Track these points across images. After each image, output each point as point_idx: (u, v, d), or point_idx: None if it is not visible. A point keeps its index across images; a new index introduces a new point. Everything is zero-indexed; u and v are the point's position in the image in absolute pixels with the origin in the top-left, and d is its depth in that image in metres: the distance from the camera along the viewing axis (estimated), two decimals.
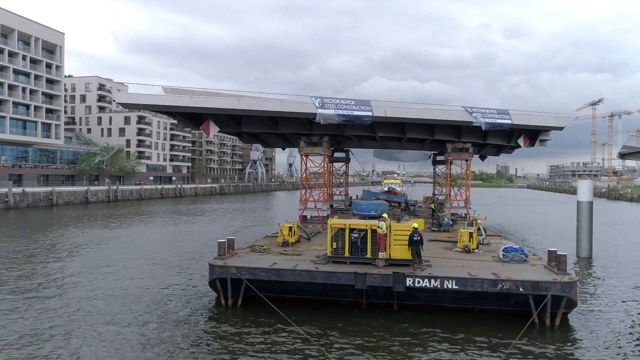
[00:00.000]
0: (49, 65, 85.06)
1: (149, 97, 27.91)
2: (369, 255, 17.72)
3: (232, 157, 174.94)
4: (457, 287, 15.86)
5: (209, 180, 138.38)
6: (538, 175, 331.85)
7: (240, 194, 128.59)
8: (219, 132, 34.32)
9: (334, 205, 47.99)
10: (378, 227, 17.18)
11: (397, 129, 37.89)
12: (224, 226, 46.22)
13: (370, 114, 32.50)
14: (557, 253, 17.06)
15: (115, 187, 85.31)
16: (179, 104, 28.63)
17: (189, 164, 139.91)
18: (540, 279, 15.86)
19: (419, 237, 17.09)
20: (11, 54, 76.97)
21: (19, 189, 67.31)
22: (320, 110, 31.19)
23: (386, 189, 57.92)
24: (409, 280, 16.10)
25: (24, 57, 79.21)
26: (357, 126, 35.31)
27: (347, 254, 17.92)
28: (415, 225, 17.61)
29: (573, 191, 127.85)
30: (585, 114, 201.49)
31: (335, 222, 18.44)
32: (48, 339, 13.98)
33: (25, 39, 79.69)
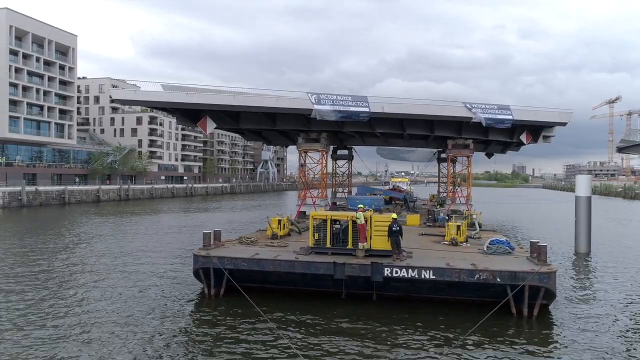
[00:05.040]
0: (62, 67, 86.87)
1: (145, 93, 28.43)
2: (350, 246, 17.81)
3: (243, 157, 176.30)
4: (434, 277, 15.85)
5: (220, 180, 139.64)
6: (555, 175, 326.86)
7: (251, 193, 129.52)
8: (216, 128, 34.70)
9: (337, 203, 48.17)
10: (356, 217, 17.28)
11: (397, 126, 37.85)
12: (229, 221, 46.73)
13: (367, 110, 32.55)
14: (539, 244, 16.93)
15: (126, 186, 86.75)
16: (175, 100, 29.10)
17: (201, 164, 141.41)
18: (517, 269, 15.76)
19: (398, 228, 17.13)
20: (25, 56, 78.80)
21: (32, 188, 68.90)
22: (316, 106, 31.38)
23: (391, 187, 58.09)
24: (387, 270, 16.14)
25: (37, 59, 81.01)
26: (355, 122, 35.38)
27: (328, 244, 18.05)
28: (395, 216, 17.66)
29: None
30: (602, 113, 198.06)
31: (317, 213, 18.59)
32: (28, 324, 14.41)
33: (38, 42, 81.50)
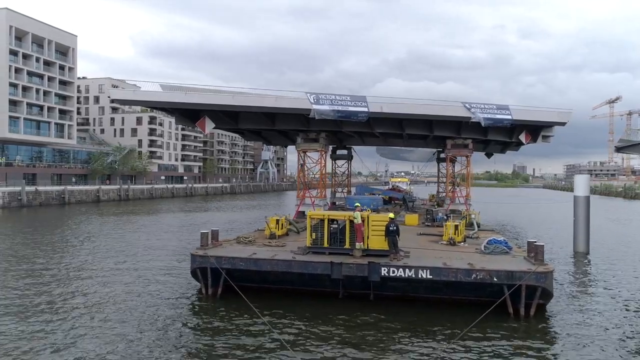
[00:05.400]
0: (61, 67, 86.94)
1: (144, 93, 28.43)
2: (347, 245, 17.83)
3: (243, 157, 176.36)
4: (431, 276, 15.86)
5: (220, 180, 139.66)
6: (555, 175, 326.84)
7: (251, 193, 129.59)
8: (215, 128, 34.70)
9: (337, 203, 48.16)
10: (353, 217, 17.29)
11: (395, 126, 37.80)
12: (230, 220, 46.76)
13: (365, 109, 32.48)
14: (536, 244, 16.93)
15: (126, 186, 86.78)
16: (173, 100, 29.06)
17: (201, 164, 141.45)
18: (514, 268, 15.77)
19: (395, 227, 17.14)
20: (25, 56, 78.86)
21: (32, 188, 68.95)
22: (315, 106, 31.32)
23: (390, 187, 58.17)
24: (384, 270, 16.15)
25: (37, 59, 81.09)
26: (354, 122, 35.34)
27: (326, 244, 18.06)
28: (392, 215, 17.67)
29: None
30: (603, 113, 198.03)
31: (315, 213, 18.60)
32: (25, 320, 14.43)
33: (38, 42, 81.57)
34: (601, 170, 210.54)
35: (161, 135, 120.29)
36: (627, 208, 75.59)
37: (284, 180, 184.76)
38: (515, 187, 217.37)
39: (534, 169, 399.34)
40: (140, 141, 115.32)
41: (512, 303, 15.42)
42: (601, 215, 55.46)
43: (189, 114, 33.01)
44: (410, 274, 15.99)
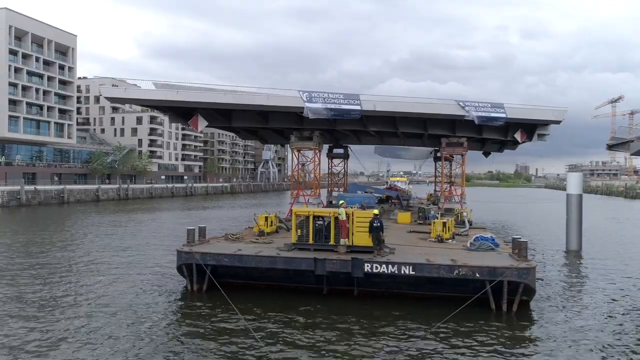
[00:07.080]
0: (61, 67, 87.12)
1: (135, 91, 28.52)
2: (332, 242, 17.83)
3: (244, 157, 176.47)
4: (414, 272, 15.86)
5: (220, 180, 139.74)
6: (558, 175, 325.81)
7: (252, 192, 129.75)
8: (208, 126, 34.74)
9: (333, 202, 48.14)
10: (338, 213, 17.30)
11: (390, 124, 37.76)
12: (230, 218, 46.79)
13: (358, 107, 32.45)
14: (519, 240, 16.91)
15: (125, 186, 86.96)
16: (165, 98, 29.13)
17: (201, 164, 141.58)
18: (497, 264, 15.75)
19: (379, 224, 17.13)
20: (25, 56, 79.06)
21: (32, 187, 69.18)
22: (307, 104, 31.30)
23: (387, 186, 58.22)
24: (367, 266, 16.15)
25: (37, 59, 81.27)
26: (347, 120, 35.34)
27: (311, 240, 18.07)
28: (376, 212, 17.68)
29: (590, 190, 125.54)
30: (605, 112, 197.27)
31: (300, 210, 18.62)
32: (13, 316, 14.49)
33: (38, 42, 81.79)
34: (603, 170, 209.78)
35: (161, 135, 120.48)
36: (627, 207, 75.34)
37: (285, 180, 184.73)
38: (517, 187, 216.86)
39: (536, 169, 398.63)
40: (140, 141, 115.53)
41: (494, 299, 15.41)
42: (599, 214, 55.33)
43: (182, 112, 33.07)
44: (393, 270, 15.99)
